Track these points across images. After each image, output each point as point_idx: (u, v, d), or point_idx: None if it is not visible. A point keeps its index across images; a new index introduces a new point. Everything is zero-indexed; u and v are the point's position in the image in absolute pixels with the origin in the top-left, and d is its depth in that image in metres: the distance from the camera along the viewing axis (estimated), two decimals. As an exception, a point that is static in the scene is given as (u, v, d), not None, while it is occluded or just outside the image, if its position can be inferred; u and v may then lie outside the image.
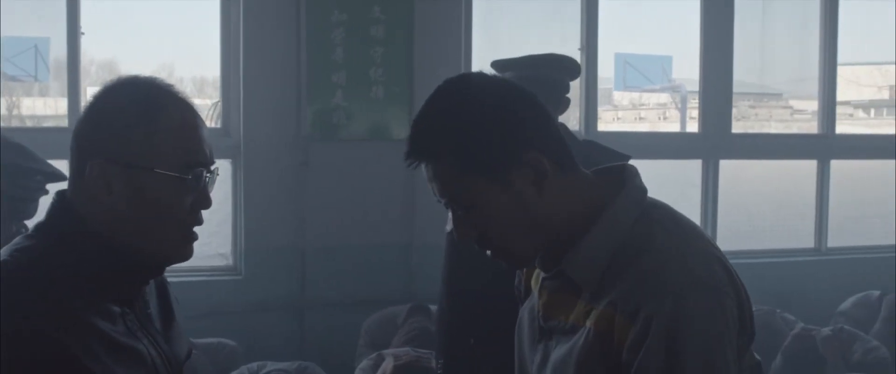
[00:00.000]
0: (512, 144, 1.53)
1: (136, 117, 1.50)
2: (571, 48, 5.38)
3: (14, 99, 5.25)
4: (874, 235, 6.06)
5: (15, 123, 5.11)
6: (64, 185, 1.58)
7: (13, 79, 5.02)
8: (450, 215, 3.05)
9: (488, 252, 1.60)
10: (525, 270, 1.85)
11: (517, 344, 1.78)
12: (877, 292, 5.39)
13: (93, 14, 4.87)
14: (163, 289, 1.74)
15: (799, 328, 4.83)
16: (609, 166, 1.64)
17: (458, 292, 3.06)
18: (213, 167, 1.58)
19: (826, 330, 4.76)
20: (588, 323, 1.51)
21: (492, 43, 5.41)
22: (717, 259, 1.53)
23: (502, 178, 1.52)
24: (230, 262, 5.06)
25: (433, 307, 4.61)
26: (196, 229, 1.58)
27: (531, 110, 1.58)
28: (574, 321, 1.56)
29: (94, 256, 1.49)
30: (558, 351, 1.58)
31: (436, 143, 1.55)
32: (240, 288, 4.93)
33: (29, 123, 5.24)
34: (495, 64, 3.24)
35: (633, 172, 1.61)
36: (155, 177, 1.49)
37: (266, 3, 4.88)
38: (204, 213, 1.59)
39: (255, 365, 4.35)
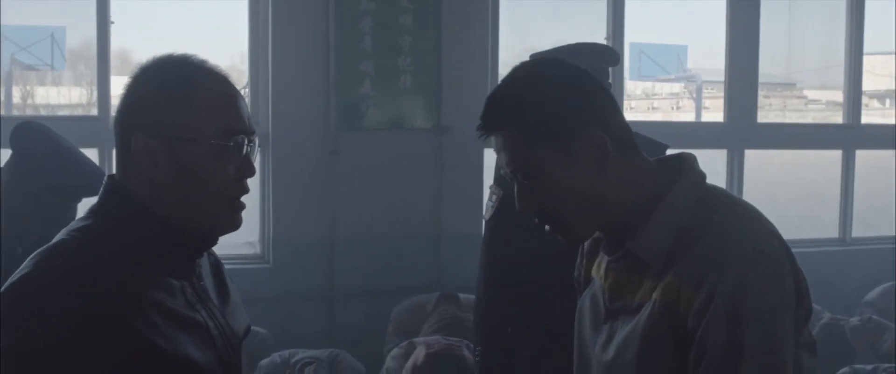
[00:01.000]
0: (577, 119, 1.61)
1: (173, 91, 1.54)
2: (597, 39, 5.37)
3: (28, 88, 5.28)
4: (899, 225, 6.03)
5: (29, 112, 5.13)
6: None
7: (29, 68, 5.04)
8: (488, 204, 3.07)
9: (547, 227, 1.68)
10: (585, 260, 1.90)
11: (577, 332, 1.85)
12: (902, 282, 5.38)
13: (121, 3, 4.88)
14: (217, 268, 1.79)
15: (827, 318, 4.84)
16: (668, 156, 1.73)
17: (496, 281, 3.07)
18: (253, 136, 1.61)
19: (854, 320, 4.76)
20: (654, 296, 1.59)
21: (519, 32, 5.42)
22: (774, 235, 1.61)
23: (567, 151, 1.60)
24: (259, 251, 5.08)
25: (463, 295, 4.63)
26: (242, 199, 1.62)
27: (598, 93, 1.66)
28: (640, 300, 1.63)
29: (149, 232, 1.53)
30: (624, 330, 1.65)
31: (507, 113, 1.64)
32: (268, 277, 4.95)
33: (43, 112, 5.26)
34: (535, 56, 3.23)
35: (693, 159, 1.69)
36: (197, 147, 1.53)
37: (295, -8, 4.90)
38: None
39: (286, 352, 4.38)
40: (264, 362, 4.32)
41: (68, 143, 3.04)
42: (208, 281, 1.69)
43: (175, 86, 1.54)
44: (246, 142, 1.58)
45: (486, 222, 3.09)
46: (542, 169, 1.62)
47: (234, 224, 1.61)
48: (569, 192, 1.62)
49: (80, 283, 1.41)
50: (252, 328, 4.47)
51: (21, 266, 1.45)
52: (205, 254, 1.70)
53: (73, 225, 1.54)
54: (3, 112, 4.88)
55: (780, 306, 1.53)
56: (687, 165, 1.67)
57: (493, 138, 1.67)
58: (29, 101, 5.21)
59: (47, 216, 2.90)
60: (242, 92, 5.06)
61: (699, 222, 1.59)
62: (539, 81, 1.66)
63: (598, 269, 1.79)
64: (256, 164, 1.64)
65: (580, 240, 1.74)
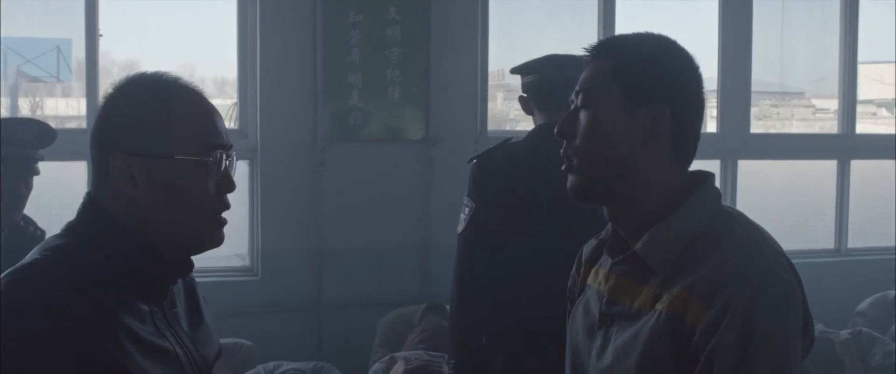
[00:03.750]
0: (661, 92, 1.63)
1: (149, 109, 1.54)
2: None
3: (37, 100, 5.30)
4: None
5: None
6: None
7: (36, 80, 5.06)
8: (461, 216, 3.06)
9: (563, 167, 1.70)
10: (582, 269, 1.91)
11: (570, 341, 1.85)
12: (893, 292, 5.32)
13: (114, 15, 4.90)
14: (191, 290, 1.77)
15: (816, 331, 4.78)
16: (690, 171, 1.73)
17: (468, 294, 3.06)
18: (231, 151, 1.61)
19: (844, 333, 4.71)
20: (659, 307, 1.58)
21: (508, 44, 5.40)
22: (787, 259, 1.61)
23: (632, 106, 1.63)
24: (247, 263, 5.08)
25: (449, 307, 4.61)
26: (224, 214, 1.61)
27: (696, 94, 1.69)
28: (639, 306, 1.63)
29: (125, 253, 1.52)
30: (621, 336, 1.65)
31: (621, 46, 1.70)
32: (257, 289, 4.95)
33: (52, 125, 5.27)
34: (516, 69, 3.20)
35: (712, 176, 1.71)
36: (175, 164, 1.53)
37: (282, 4, 4.90)
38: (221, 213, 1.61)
39: (271, 364, 4.38)
40: (249, 373, 4.32)
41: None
42: (181, 304, 1.68)
43: (150, 104, 1.55)
44: (224, 156, 1.58)
45: (459, 234, 3.08)
46: (600, 102, 1.65)
47: (217, 240, 1.61)
48: (603, 138, 1.64)
49: (51, 304, 1.39)
50: (237, 340, 4.50)
51: None
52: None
53: (47, 243, 1.54)
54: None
55: (792, 330, 1.52)
56: (707, 178, 1.69)
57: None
58: (38, 112, 5.23)
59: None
60: (231, 104, 5.09)
61: (713, 235, 1.59)
62: (663, 44, 1.70)
63: (596, 276, 1.80)
64: (245, 176, 1.64)
65: (580, 191, 1.70)
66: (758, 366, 1.47)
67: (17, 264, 1.48)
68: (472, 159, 3.13)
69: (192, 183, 1.54)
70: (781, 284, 1.52)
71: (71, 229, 1.56)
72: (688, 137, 1.67)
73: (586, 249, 1.92)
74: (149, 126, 1.53)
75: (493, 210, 3.00)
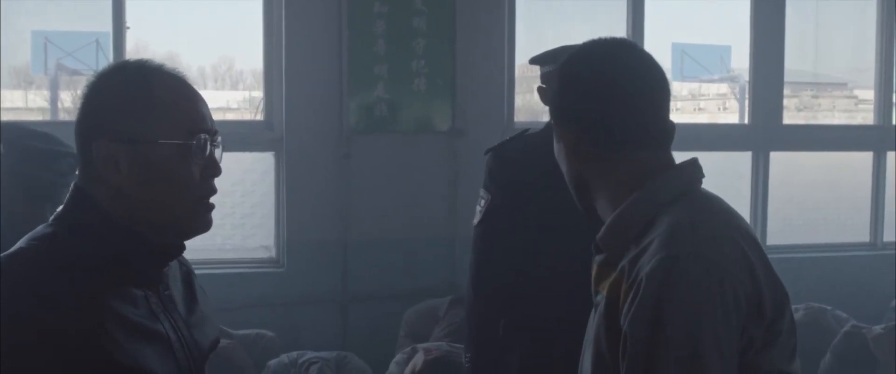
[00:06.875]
0: (561, 112, 1.70)
1: (131, 95, 1.54)
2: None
3: (79, 92, 5.34)
4: (933, 228, 5.86)
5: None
6: None
7: (76, 73, 5.11)
8: (477, 208, 3.03)
9: None
10: None
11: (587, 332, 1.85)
12: (928, 287, 5.21)
13: (151, 8, 4.94)
14: (188, 277, 1.77)
15: (849, 326, 4.70)
16: (678, 164, 1.69)
17: (484, 285, 3.03)
18: (216, 136, 1.60)
19: (877, 328, 4.61)
20: (604, 293, 1.57)
21: (535, 34, 5.36)
22: (735, 244, 1.51)
23: (557, 130, 1.71)
24: (273, 254, 5.08)
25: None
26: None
27: (597, 91, 1.65)
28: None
29: (113, 239, 1.51)
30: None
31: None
32: (283, 281, 4.96)
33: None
34: (535, 59, 3.16)
35: (689, 162, 1.67)
36: (159, 148, 1.52)
37: (308, -5, 4.90)
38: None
39: (294, 354, 4.40)
40: (273, 362, 4.35)
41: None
42: (176, 291, 1.67)
43: (132, 90, 1.54)
44: (209, 141, 1.57)
45: (474, 226, 3.05)
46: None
47: (203, 225, 1.60)
48: (560, 162, 1.73)
49: (35, 295, 1.39)
50: (259, 331, 4.50)
51: None
52: (177, 262, 1.70)
53: (34, 233, 1.53)
54: (50, 116, 5.03)
55: (710, 313, 1.42)
56: (680, 164, 1.65)
57: None
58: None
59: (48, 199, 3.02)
60: (258, 96, 5.10)
61: (661, 218, 1.54)
62: (577, 58, 1.71)
63: None
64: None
65: (582, 210, 1.74)
66: (666, 349, 1.40)
67: (2, 253, 1.47)
68: (488, 151, 3.10)
69: (176, 168, 1.53)
70: (703, 263, 1.44)
71: (58, 218, 1.55)
72: (617, 131, 1.63)
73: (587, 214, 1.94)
74: (131, 112, 1.52)
75: (509, 202, 2.96)
